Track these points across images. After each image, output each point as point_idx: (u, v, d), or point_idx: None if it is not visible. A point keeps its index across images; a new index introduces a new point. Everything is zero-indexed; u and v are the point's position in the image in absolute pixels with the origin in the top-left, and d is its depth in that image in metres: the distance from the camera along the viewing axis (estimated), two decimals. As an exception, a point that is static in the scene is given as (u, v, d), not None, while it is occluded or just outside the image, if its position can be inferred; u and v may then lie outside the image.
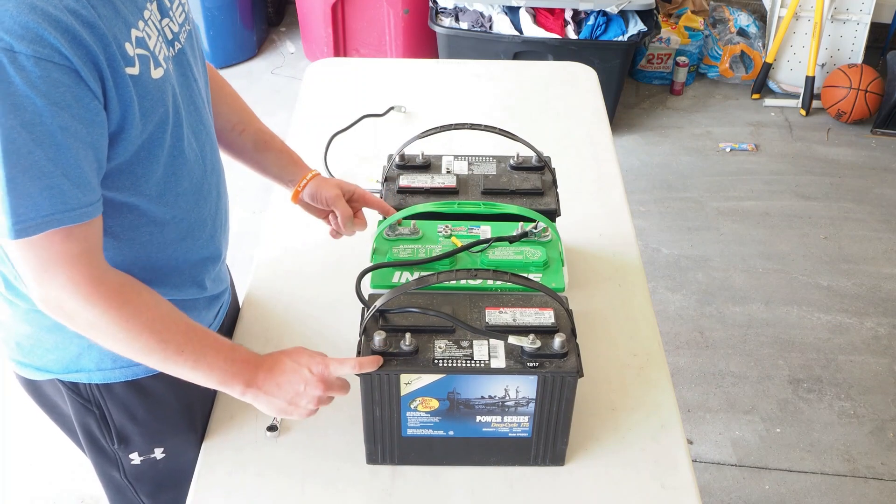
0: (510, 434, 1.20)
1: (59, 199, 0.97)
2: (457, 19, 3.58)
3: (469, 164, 1.49)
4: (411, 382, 1.14)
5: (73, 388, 1.26)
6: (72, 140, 0.96)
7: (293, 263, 1.59)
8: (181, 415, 1.34)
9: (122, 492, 1.43)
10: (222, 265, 1.39)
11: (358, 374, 1.13)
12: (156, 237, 1.18)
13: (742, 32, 4.11)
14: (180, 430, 1.33)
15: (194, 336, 1.13)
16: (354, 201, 1.44)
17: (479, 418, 1.18)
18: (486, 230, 1.39)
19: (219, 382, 1.15)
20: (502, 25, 3.52)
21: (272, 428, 1.29)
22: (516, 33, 3.50)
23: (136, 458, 1.36)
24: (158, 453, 1.36)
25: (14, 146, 0.93)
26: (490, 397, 1.15)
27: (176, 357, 1.11)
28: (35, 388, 1.32)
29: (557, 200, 1.42)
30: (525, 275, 1.23)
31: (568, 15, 3.56)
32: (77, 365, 1.23)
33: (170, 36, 1.14)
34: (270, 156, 1.44)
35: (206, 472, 1.25)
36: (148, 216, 1.15)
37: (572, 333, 1.17)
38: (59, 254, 1.00)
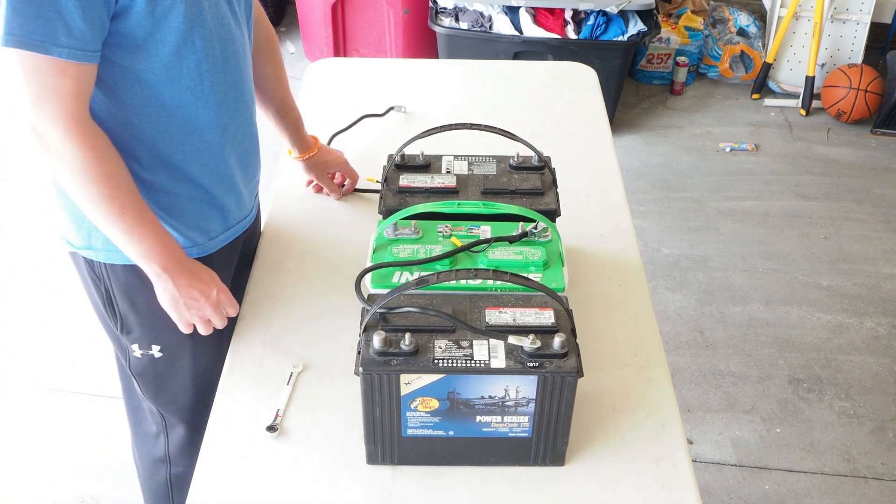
0: (510, 434, 1.20)
1: (51, 31, 1.13)
2: (457, 19, 3.58)
3: (469, 164, 1.49)
4: (411, 382, 1.14)
5: (89, 264, 1.43)
6: None
7: (293, 263, 1.59)
8: None
9: (130, 386, 1.61)
10: (239, 188, 1.48)
11: (356, 375, 1.13)
12: (164, 120, 1.30)
13: (742, 32, 4.11)
14: (177, 330, 1.40)
15: (139, 205, 1.28)
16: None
17: (479, 418, 1.18)
18: (486, 230, 1.39)
19: (142, 255, 1.30)
20: (502, 25, 3.52)
21: (272, 428, 1.29)
22: (516, 33, 3.50)
23: (137, 350, 1.50)
24: (156, 351, 1.49)
25: None
26: (490, 397, 1.15)
27: (119, 215, 1.25)
28: (74, 261, 1.47)
29: (557, 200, 1.42)
30: (525, 275, 1.23)
31: (568, 15, 3.56)
32: (89, 242, 1.39)
33: None
34: (285, 123, 1.68)
35: (205, 472, 1.25)
36: (157, 96, 1.28)
37: (572, 333, 1.17)
38: (53, 86, 1.16)
